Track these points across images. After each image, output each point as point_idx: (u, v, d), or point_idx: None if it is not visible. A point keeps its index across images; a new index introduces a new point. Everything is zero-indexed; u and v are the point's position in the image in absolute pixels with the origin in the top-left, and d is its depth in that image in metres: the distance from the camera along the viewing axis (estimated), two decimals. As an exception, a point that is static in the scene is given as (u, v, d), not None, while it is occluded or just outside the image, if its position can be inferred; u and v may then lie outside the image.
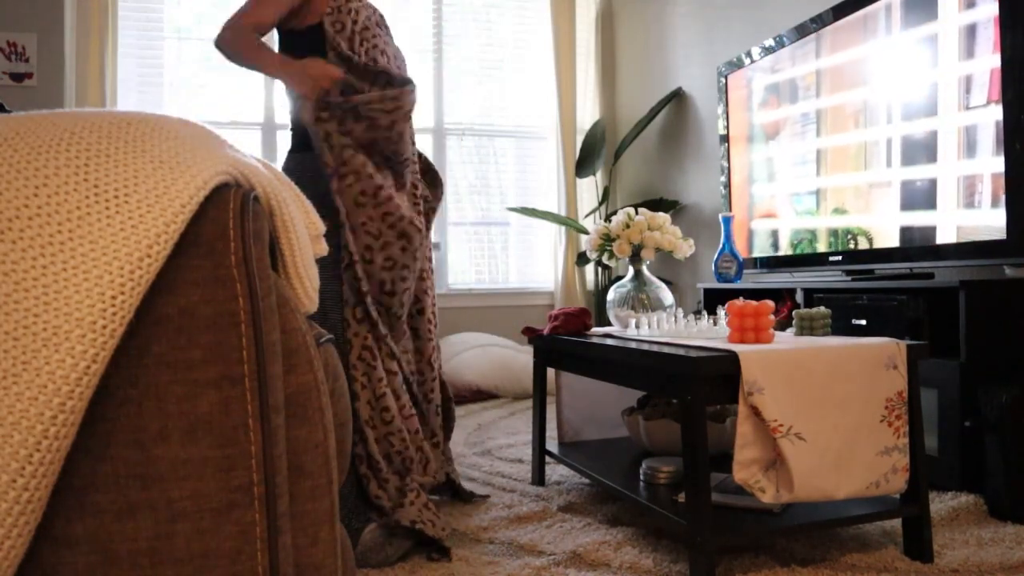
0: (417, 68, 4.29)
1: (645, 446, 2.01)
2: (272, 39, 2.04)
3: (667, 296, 2.06)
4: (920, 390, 1.63)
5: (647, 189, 4.35)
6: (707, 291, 3.14)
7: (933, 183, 2.20)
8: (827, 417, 1.38)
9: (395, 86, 1.82)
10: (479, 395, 3.76)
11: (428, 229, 1.97)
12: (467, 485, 2.15)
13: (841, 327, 2.30)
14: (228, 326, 0.68)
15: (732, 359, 1.36)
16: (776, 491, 1.35)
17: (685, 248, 2.06)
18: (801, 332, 1.68)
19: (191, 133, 0.74)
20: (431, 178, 2.03)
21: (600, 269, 4.39)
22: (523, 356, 3.92)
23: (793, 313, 1.71)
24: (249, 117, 4.20)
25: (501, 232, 4.67)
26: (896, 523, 1.70)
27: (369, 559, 1.57)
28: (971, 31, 2.08)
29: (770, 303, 1.53)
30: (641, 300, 2.04)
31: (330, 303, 1.76)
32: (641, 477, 1.74)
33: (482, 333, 4.20)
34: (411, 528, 1.62)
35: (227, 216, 0.69)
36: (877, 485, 1.42)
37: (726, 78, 3.31)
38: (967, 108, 2.09)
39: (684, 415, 1.38)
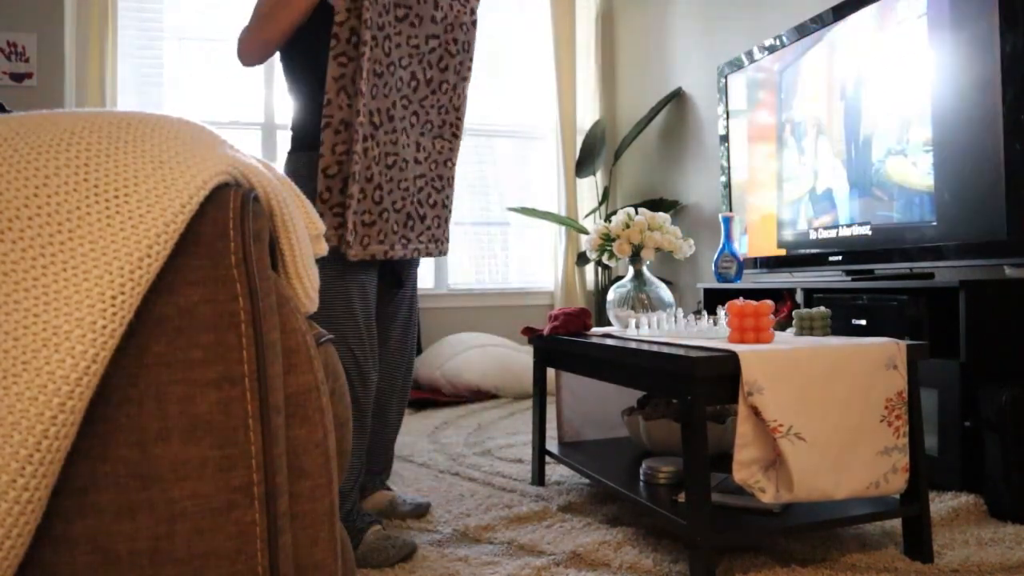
0: (417, 68, 4.29)
1: (645, 446, 2.01)
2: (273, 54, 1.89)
3: (667, 296, 2.06)
4: (920, 390, 1.63)
5: (647, 189, 4.34)
6: (707, 291, 3.14)
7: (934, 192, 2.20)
8: (827, 417, 1.38)
9: None
10: (479, 395, 3.76)
11: None
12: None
13: (841, 327, 2.30)
14: (228, 326, 0.68)
15: (732, 359, 1.36)
16: (776, 491, 1.35)
17: (685, 248, 2.06)
18: (801, 332, 1.68)
19: (191, 133, 0.74)
20: None
21: (600, 269, 4.38)
22: (523, 356, 3.92)
23: (793, 313, 1.71)
24: (249, 117, 4.20)
25: (501, 232, 4.67)
26: (896, 523, 1.70)
27: (370, 560, 1.57)
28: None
29: (770, 303, 1.53)
30: (641, 300, 2.04)
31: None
32: (641, 477, 1.74)
33: (482, 333, 4.20)
34: None
35: (227, 216, 0.69)
36: (877, 485, 1.42)
37: (726, 78, 3.30)
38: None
39: (684, 415, 1.38)
